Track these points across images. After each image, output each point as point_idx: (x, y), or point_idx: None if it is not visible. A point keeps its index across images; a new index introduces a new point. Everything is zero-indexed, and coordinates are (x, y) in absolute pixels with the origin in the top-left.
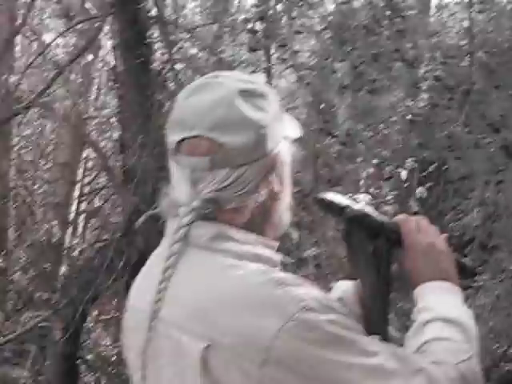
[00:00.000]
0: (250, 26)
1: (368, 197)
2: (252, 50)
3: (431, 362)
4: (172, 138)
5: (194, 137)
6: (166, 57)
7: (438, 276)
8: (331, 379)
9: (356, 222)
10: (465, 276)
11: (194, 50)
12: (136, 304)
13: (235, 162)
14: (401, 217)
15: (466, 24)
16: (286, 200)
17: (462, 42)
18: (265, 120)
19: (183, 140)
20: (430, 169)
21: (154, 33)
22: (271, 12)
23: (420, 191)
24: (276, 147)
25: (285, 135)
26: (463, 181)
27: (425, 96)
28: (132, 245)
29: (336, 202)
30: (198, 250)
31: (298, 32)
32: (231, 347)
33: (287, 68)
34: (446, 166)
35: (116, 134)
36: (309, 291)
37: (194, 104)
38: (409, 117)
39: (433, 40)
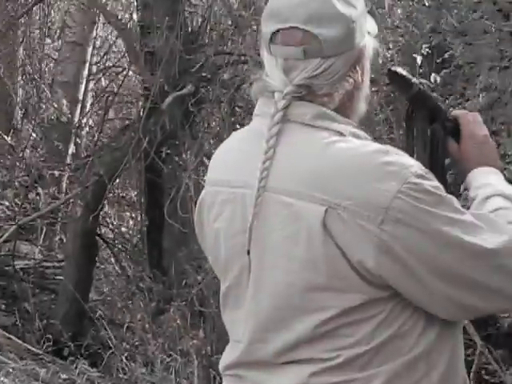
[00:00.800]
0: None
1: (430, 84)
2: None
3: (507, 222)
4: (267, 28)
5: (289, 28)
6: None
7: (492, 163)
8: (441, 232)
9: (421, 100)
10: None
11: None
12: (226, 178)
13: (327, 52)
14: (459, 111)
15: None
16: (365, 90)
17: None
18: (354, 15)
19: (278, 31)
20: (446, 55)
21: None
22: None
23: (434, 77)
24: (362, 41)
25: (369, 30)
26: (470, 66)
27: None
28: (157, 125)
29: (408, 77)
30: (300, 126)
31: None
32: (351, 209)
33: None
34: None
35: (136, 16)
36: (411, 159)
37: None
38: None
39: None
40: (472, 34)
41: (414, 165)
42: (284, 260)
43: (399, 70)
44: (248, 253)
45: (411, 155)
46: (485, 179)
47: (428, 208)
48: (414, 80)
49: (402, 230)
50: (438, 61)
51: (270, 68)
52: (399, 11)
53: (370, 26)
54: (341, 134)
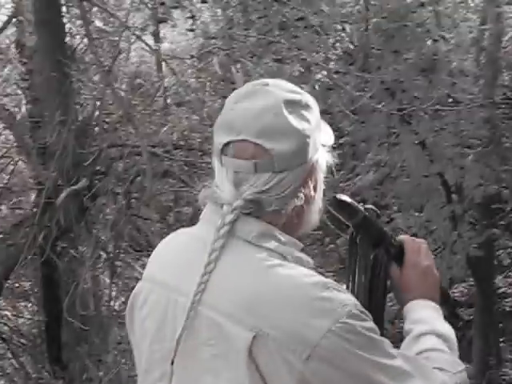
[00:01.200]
0: None
1: (376, 209)
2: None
3: (435, 368)
4: (219, 139)
5: (241, 140)
6: (81, 33)
7: (429, 296)
8: (366, 376)
9: (366, 227)
10: (443, 302)
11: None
12: (163, 279)
13: (278, 167)
14: (405, 236)
15: None
16: (317, 203)
17: (359, 8)
18: (308, 130)
19: (229, 143)
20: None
21: (71, 9)
22: None
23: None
24: (315, 154)
25: (323, 143)
26: (361, 144)
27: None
28: (52, 219)
29: (353, 204)
30: (244, 244)
31: (204, 1)
32: (279, 340)
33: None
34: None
35: (24, 110)
36: (349, 297)
37: (243, 109)
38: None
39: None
40: (362, 114)
41: (349, 304)
42: (210, 377)
43: (344, 197)
44: (172, 363)
45: (352, 280)
46: (421, 314)
47: (357, 351)
48: (359, 207)
49: (326, 369)
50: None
51: (220, 179)
52: None
53: (324, 137)
54: (284, 257)
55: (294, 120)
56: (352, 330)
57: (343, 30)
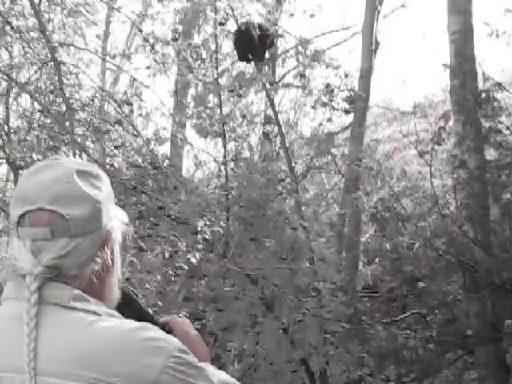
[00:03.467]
0: None
1: (134, 290)
2: None
3: None
4: (15, 212)
5: (37, 209)
6: None
7: (205, 358)
8: None
9: (127, 303)
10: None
11: None
12: None
13: (74, 231)
14: (170, 316)
15: (222, 180)
16: (116, 274)
17: (221, 198)
18: (100, 196)
19: (25, 213)
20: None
21: None
22: None
23: None
24: (109, 223)
25: (116, 215)
26: (224, 332)
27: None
28: None
29: None
30: (58, 308)
31: None
32: None
33: None
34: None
35: None
36: (170, 335)
37: (36, 181)
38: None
39: (194, 197)
40: (224, 301)
41: (174, 340)
42: None
43: None
44: None
45: None
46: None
47: (191, 380)
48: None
49: None
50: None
51: (18, 252)
52: None
53: (120, 213)
54: (97, 314)
55: (85, 187)
56: (184, 363)
57: (204, 217)
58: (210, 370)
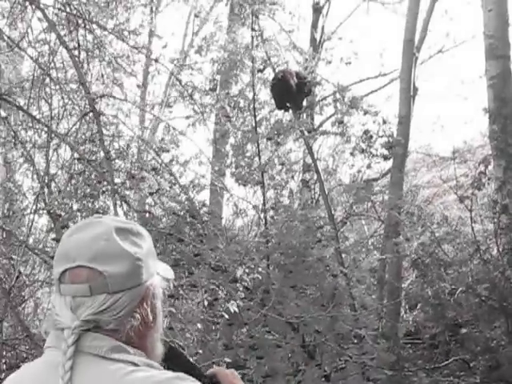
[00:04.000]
0: None
1: (180, 344)
2: None
3: None
4: (57, 269)
5: (76, 267)
6: None
7: None
8: None
9: (174, 358)
10: None
11: None
12: None
13: (112, 288)
14: (216, 368)
15: (262, 228)
16: (158, 330)
17: (261, 246)
18: (139, 253)
19: (66, 270)
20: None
21: None
22: None
23: None
24: (150, 279)
25: (158, 271)
26: (266, 380)
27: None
28: None
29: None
30: (96, 359)
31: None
32: None
33: None
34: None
35: None
36: None
37: (77, 239)
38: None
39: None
40: (265, 349)
41: None
42: None
43: None
44: None
45: None
46: None
47: None
48: (166, 339)
49: None
50: None
51: (59, 307)
52: None
53: (162, 269)
54: (135, 364)
55: (124, 244)
56: None
57: (243, 264)
58: None
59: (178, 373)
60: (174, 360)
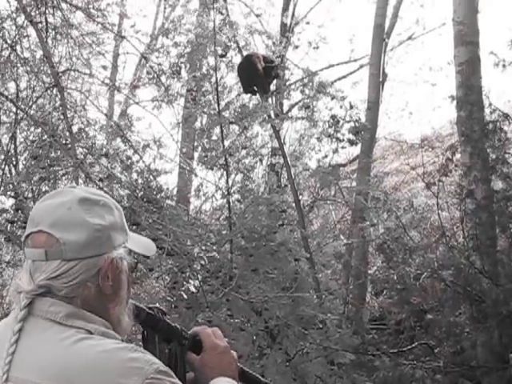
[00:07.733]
0: None
1: (162, 308)
2: None
3: None
4: (24, 233)
5: (37, 232)
6: None
7: (230, 374)
8: None
9: (152, 324)
10: (241, 379)
11: None
12: None
13: (67, 255)
14: (199, 327)
15: (226, 212)
16: (121, 303)
17: (223, 229)
18: (101, 225)
19: (29, 234)
20: None
21: None
22: None
23: None
24: (111, 251)
25: (125, 245)
26: None
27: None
28: None
29: (137, 305)
30: (49, 323)
31: None
32: None
33: None
34: None
35: None
36: (155, 359)
37: (45, 205)
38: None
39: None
40: (227, 332)
41: (156, 362)
42: None
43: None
44: None
45: None
46: None
47: None
48: (142, 306)
49: None
50: None
51: (22, 271)
52: None
53: (135, 243)
54: (89, 332)
55: (86, 215)
56: None
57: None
58: None
59: (130, 344)
60: (152, 326)
